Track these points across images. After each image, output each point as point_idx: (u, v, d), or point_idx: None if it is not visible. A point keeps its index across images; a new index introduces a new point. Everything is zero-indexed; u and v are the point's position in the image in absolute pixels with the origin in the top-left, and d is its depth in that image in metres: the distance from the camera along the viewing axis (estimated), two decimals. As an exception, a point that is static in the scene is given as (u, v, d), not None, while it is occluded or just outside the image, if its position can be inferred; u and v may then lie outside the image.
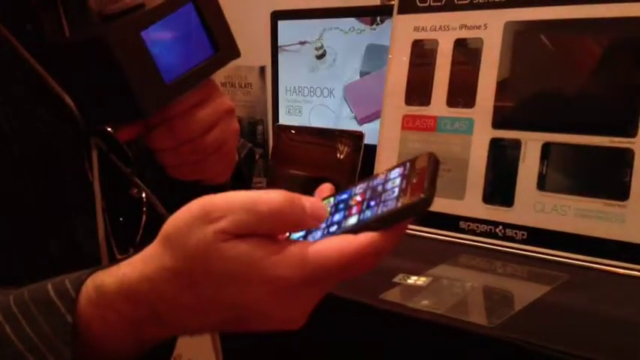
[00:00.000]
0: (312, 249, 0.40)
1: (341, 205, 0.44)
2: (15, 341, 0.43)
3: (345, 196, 0.45)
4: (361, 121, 1.38)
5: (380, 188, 0.43)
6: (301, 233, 0.44)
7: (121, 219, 0.63)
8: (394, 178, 0.43)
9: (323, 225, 0.43)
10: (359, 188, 0.44)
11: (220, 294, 0.41)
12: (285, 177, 1.29)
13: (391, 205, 0.40)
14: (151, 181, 0.65)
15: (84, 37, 0.59)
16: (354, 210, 0.42)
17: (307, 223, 0.42)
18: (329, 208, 0.44)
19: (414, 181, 0.41)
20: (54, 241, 0.58)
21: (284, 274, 0.40)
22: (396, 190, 0.41)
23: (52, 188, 0.58)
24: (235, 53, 0.63)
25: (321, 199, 0.45)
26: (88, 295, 0.44)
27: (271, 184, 1.33)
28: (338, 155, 1.28)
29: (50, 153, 0.59)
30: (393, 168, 0.44)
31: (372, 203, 0.42)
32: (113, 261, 0.60)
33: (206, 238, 0.40)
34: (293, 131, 1.36)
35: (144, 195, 0.64)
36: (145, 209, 0.64)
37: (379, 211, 0.41)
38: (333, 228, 0.42)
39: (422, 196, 0.39)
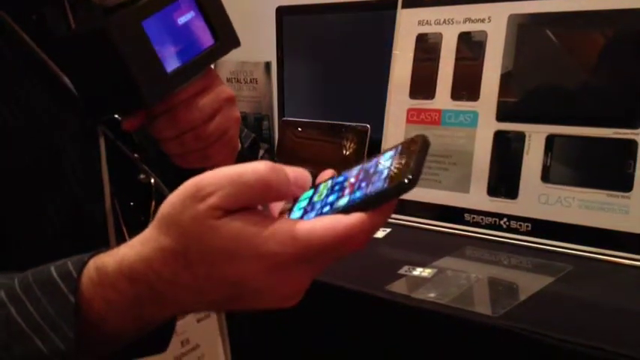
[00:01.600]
0: (303, 226, 0.41)
1: (336, 187, 0.45)
2: (20, 321, 0.44)
3: (341, 179, 0.46)
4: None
5: (372, 170, 0.43)
6: (298, 214, 0.45)
7: (131, 204, 0.64)
8: (386, 160, 0.44)
9: (318, 206, 0.44)
10: (355, 170, 0.45)
11: (215, 271, 0.42)
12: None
13: (378, 186, 0.41)
14: (157, 169, 0.66)
15: (86, 29, 0.59)
16: (347, 191, 0.43)
17: (292, 191, 0.44)
18: (326, 190, 0.45)
19: (402, 162, 0.42)
20: (63, 224, 0.59)
21: (275, 249, 0.41)
22: (385, 171, 0.42)
23: (57, 174, 0.59)
24: (235, 42, 0.63)
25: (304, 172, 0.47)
26: (90, 275, 0.44)
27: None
28: (343, 150, 1.28)
29: (54, 140, 0.60)
30: (387, 151, 0.45)
31: (363, 184, 0.43)
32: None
33: (198, 215, 0.41)
34: (298, 127, 1.37)
35: (152, 180, 0.65)
36: (153, 194, 0.65)
37: (367, 192, 0.42)
38: (326, 208, 0.43)
39: (409, 177, 0.40)
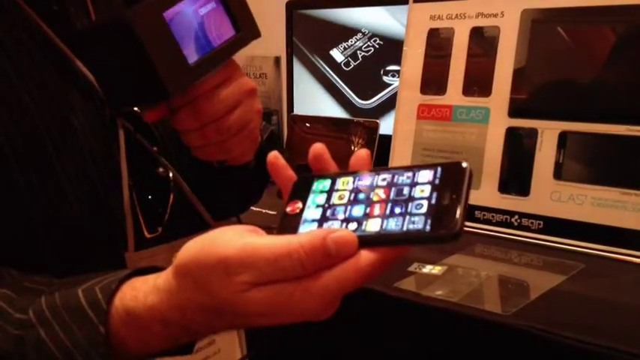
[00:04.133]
0: (331, 277, 0.41)
1: (360, 196, 0.43)
2: (49, 345, 0.45)
3: (366, 183, 0.43)
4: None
5: (406, 192, 0.41)
6: (316, 214, 0.44)
7: (149, 197, 0.64)
8: (423, 184, 0.41)
9: (339, 215, 0.42)
10: (381, 178, 0.43)
11: (249, 321, 0.44)
12: (300, 168, 1.29)
13: (419, 225, 0.39)
14: (175, 162, 0.66)
15: (107, 20, 0.59)
16: (376, 211, 0.41)
17: (332, 261, 0.42)
18: (347, 194, 0.44)
19: (446, 202, 0.39)
20: (82, 212, 0.59)
21: (311, 305, 0.42)
22: (425, 205, 0.40)
23: (77, 164, 0.59)
24: (256, 33, 0.63)
25: (347, 231, 0.42)
26: (120, 316, 0.46)
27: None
28: (352, 146, 1.28)
29: (74, 130, 0.59)
30: (421, 168, 0.42)
31: (397, 211, 0.40)
32: (141, 239, 0.63)
33: (229, 287, 0.42)
34: (307, 122, 1.36)
35: (170, 174, 0.65)
36: (172, 188, 0.65)
37: (407, 230, 0.39)
38: (353, 226, 0.41)
39: (455, 229, 0.38)
